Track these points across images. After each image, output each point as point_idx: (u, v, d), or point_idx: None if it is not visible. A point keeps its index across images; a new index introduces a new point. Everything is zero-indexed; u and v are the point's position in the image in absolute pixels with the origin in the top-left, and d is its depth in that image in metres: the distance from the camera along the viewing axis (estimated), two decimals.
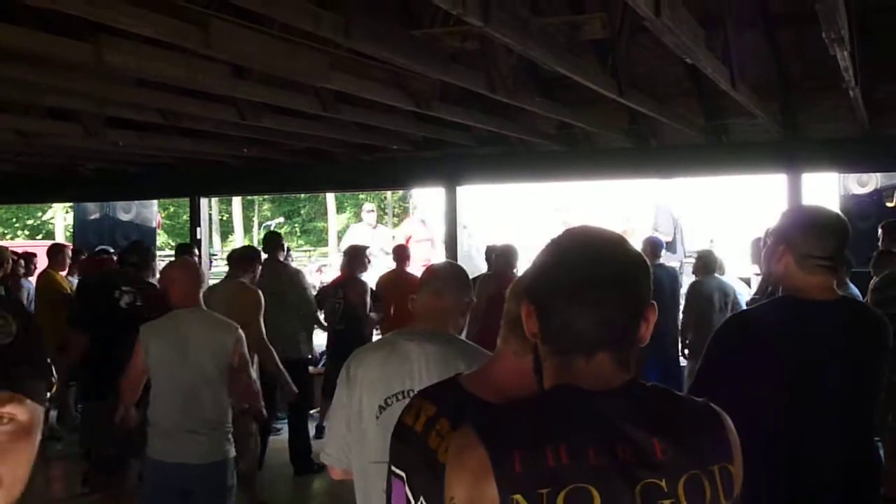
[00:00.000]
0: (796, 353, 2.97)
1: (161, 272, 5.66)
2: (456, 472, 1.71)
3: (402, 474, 2.11)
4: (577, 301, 1.74)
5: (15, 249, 10.68)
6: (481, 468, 1.65)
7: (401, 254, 10.05)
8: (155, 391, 5.03)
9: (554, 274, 1.79)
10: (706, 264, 9.27)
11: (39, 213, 33.91)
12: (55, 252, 10.11)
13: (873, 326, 3.15)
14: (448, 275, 3.29)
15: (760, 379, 2.98)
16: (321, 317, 9.80)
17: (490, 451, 1.65)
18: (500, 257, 8.91)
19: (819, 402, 2.97)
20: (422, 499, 2.01)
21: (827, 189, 11.55)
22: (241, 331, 5.19)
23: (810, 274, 3.05)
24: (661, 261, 9.71)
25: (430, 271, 3.42)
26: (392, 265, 10.22)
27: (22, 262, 10.32)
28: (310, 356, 9.23)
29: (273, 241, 9.32)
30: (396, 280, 9.70)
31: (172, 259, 9.30)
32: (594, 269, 1.76)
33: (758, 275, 8.64)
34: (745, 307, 7.27)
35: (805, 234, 3.08)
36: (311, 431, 9.65)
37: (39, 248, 12.43)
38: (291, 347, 8.48)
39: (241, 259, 7.79)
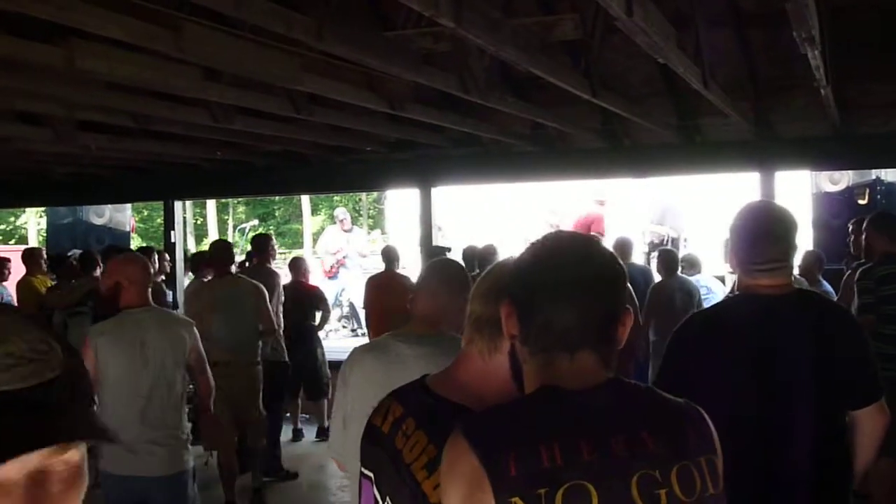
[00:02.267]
0: (758, 346, 3.02)
1: (109, 269, 5.22)
2: (450, 480, 1.72)
3: (371, 475, 2.12)
4: (558, 299, 1.78)
5: None
6: (475, 475, 1.66)
7: (390, 255, 10.06)
8: (106, 399, 4.57)
9: (535, 274, 1.83)
10: (668, 264, 9.23)
11: (12, 218, 33.64)
12: (30, 256, 10.03)
13: (832, 316, 3.21)
14: (444, 274, 3.28)
15: (725, 374, 3.02)
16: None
17: (483, 456, 1.66)
18: (487, 259, 8.91)
19: (784, 396, 2.99)
20: (388, 499, 2.02)
21: (799, 187, 11.65)
22: (195, 328, 5.05)
23: (754, 278, 3.12)
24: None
25: (426, 271, 3.42)
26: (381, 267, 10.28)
27: None
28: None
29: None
30: (387, 282, 9.70)
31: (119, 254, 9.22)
32: (574, 269, 1.80)
33: (732, 273, 8.69)
34: None
35: (743, 244, 3.16)
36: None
37: (13, 252, 12.33)
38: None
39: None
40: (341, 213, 17.12)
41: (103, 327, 4.87)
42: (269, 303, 7.69)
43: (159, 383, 4.75)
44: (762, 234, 3.11)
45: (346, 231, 16.65)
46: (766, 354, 3.00)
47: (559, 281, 1.79)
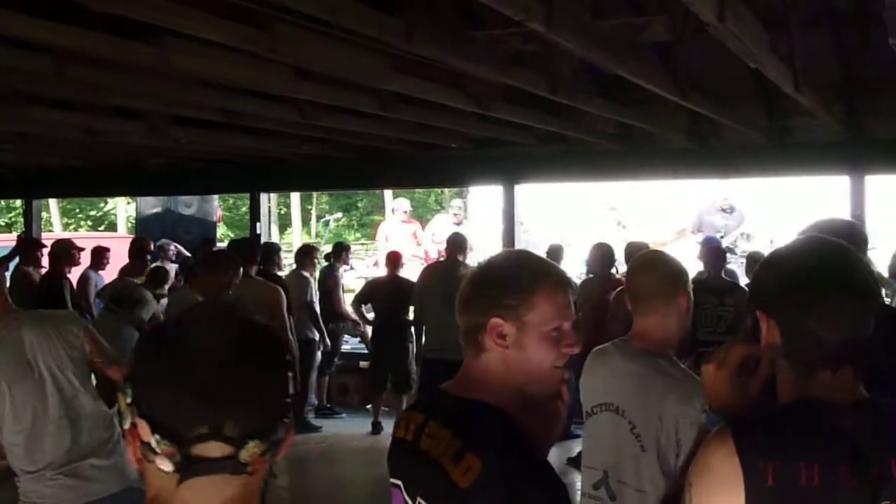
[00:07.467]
0: None
1: None
2: (703, 475, 1.74)
3: (399, 482, 2.18)
4: (827, 312, 1.74)
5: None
6: (731, 478, 1.68)
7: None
8: (16, 428, 3.97)
9: (799, 283, 1.79)
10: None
11: (102, 204, 34.32)
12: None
13: None
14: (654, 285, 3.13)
15: None
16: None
17: (744, 462, 1.67)
18: (596, 260, 8.83)
19: None
20: (419, 499, 2.07)
21: (890, 191, 11.40)
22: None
23: None
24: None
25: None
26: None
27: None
28: None
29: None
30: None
31: None
32: (841, 279, 1.77)
33: None
34: None
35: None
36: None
37: (103, 239, 12.63)
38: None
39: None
40: (404, 207, 16.59)
41: None
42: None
43: (67, 394, 4.01)
44: None
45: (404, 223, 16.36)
46: None
47: (828, 292, 1.75)
